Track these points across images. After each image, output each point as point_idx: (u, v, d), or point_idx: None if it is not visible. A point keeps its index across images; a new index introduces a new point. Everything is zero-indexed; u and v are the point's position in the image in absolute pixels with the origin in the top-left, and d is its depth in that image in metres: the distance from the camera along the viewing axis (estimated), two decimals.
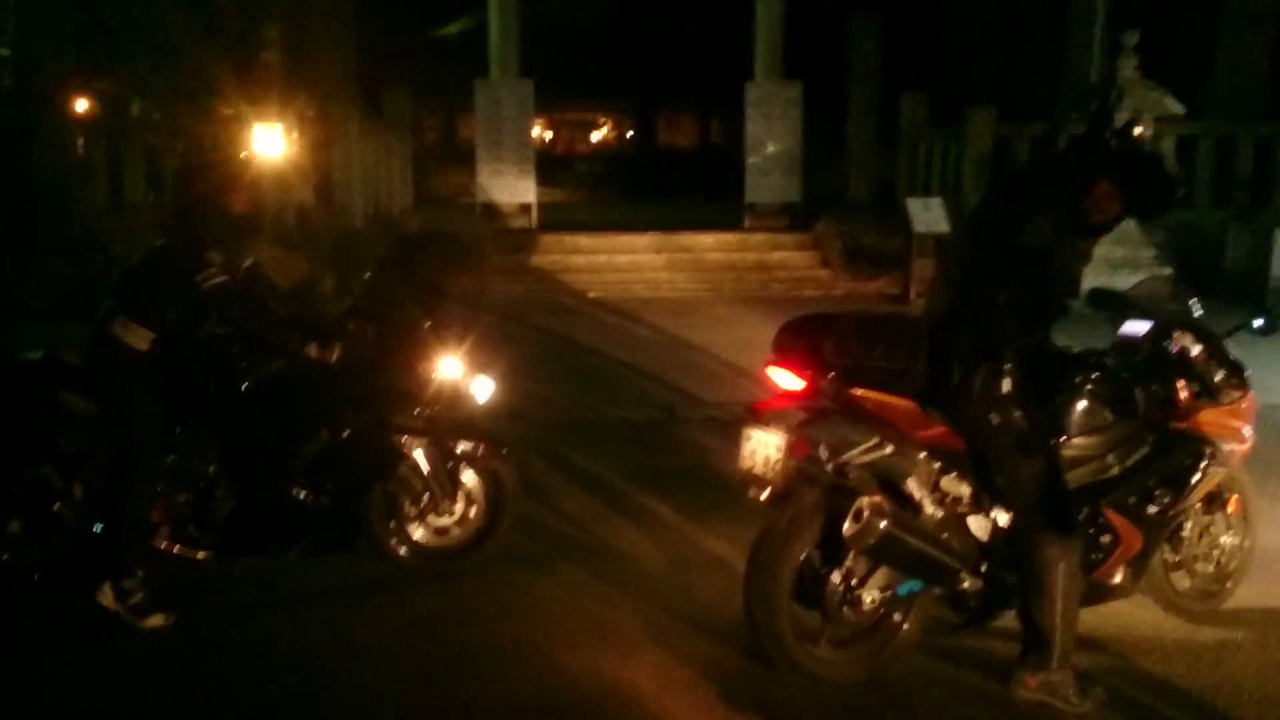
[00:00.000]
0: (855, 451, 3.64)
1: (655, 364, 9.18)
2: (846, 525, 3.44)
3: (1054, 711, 3.53)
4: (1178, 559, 4.22)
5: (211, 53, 11.83)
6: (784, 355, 3.77)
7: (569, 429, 7.19)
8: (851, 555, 3.59)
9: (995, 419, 3.48)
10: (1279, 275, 11.78)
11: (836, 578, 3.63)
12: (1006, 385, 3.47)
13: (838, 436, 3.63)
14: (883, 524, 3.39)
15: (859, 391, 3.61)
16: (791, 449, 3.58)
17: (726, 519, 5.37)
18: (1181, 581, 4.26)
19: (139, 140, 12.70)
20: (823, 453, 3.63)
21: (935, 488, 3.69)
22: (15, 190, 11.93)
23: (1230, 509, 4.30)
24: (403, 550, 4.69)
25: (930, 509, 3.65)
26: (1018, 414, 3.49)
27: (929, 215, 12.38)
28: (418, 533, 4.73)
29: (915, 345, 3.54)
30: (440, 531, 4.74)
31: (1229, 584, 4.35)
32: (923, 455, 3.67)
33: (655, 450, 6.69)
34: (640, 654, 4.00)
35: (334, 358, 4.42)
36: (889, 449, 3.64)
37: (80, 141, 12.51)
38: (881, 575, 3.64)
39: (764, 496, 3.67)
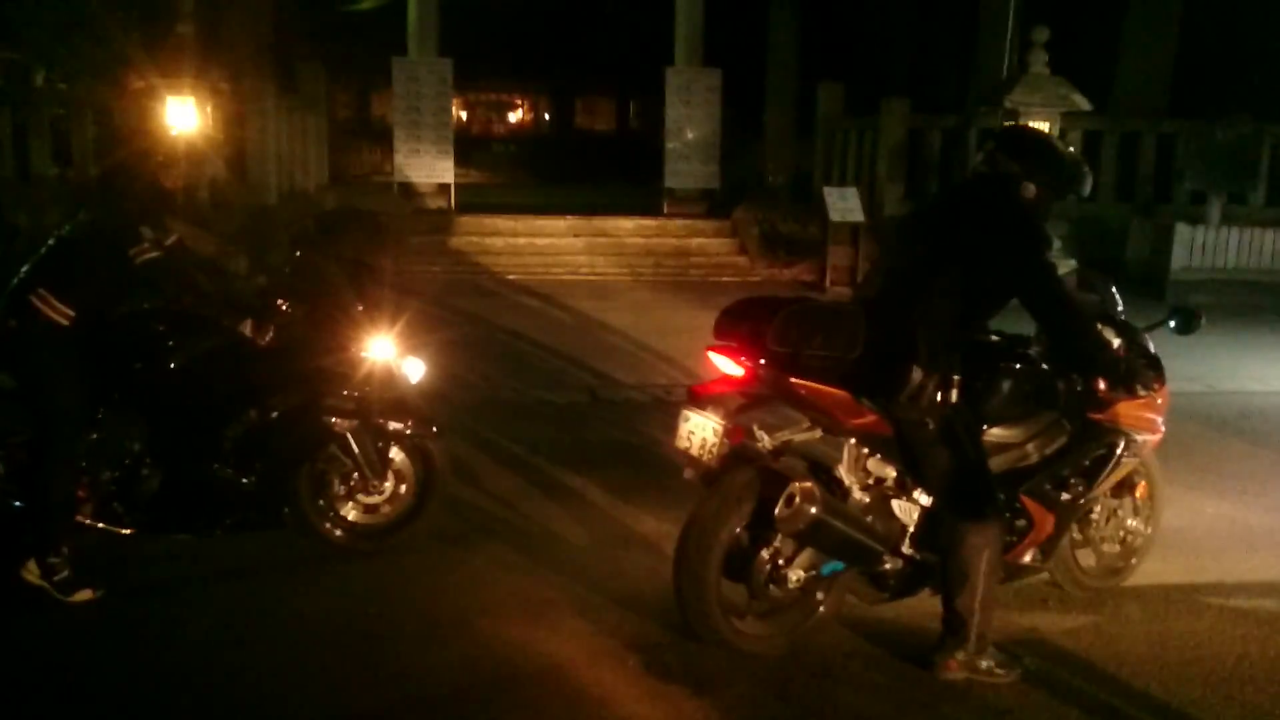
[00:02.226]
0: (788, 437, 3.79)
1: (576, 347, 9.24)
2: (778, 510, 3.54)
3: (973, 684, 3.70)
4: (1084, 539, 4.42)
5: (123, 23, 11.53)
6: (724, 341, 3.83)
7: (492, 410, 7.22)
8: (780, 537, 3.70)
9: (936, 416, 3.59)
10: (1179, 269, 12.26)
11: (764, 556, 3.74)
12: (954, 388, 3.59)
13: (773, 422, 3.75)
14: (812, 510, 3.49)
15: (795, 380, 3.68)
16: (728, 433, 3.68)
17: (648, 498, 5.49)
18: (1087, 560, 4.46)
19: (45, 112, 12.33)
20: (758, 437, 3.75)
21: (863, 472, 3.82)
22: None
23: (1139, 494, 4.51)
24: (332, 528, 4.69)
25: (858, 494, 3.79)
26: (954, 412, 3.63)
27: (845, 204, 12.60)
28: (347, 511, 4.73)
29: (852, 337, 3.60)
30: (370, 509, 4.75)
31: (1131, 563, 4.57)
32: (853, 442, 3.79)
33: (577, 431, 6.76)
34: (567, 627, 4.08)
35: (267, 337, 4.40)
36: (821, 436, 3.78)
37: None
38: (807, 556, 3.76)
39: (698, 477, 3.76)
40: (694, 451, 3.74)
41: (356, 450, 4.65)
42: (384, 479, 4.72)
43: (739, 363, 3.77)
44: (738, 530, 3.73)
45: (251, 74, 13.43)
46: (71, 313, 4.18)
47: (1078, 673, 3.87)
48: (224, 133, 12.11)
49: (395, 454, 4.78)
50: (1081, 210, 13.65)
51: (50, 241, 4.44)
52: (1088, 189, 3.95)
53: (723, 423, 3.70)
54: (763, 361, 3.71)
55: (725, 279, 13.32)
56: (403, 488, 4.76)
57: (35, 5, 12.32)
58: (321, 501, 4.67)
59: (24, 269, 4.30)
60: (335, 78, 18.69)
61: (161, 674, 3.71)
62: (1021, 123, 11.92)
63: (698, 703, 3.58)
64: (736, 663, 3.80)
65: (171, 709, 3.50)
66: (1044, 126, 11.90)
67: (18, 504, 4.32)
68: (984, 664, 3.69)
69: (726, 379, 3.82)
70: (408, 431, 4.74)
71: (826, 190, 13.04)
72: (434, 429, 4.80)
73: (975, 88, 15.28)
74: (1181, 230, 12.34)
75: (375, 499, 4.73)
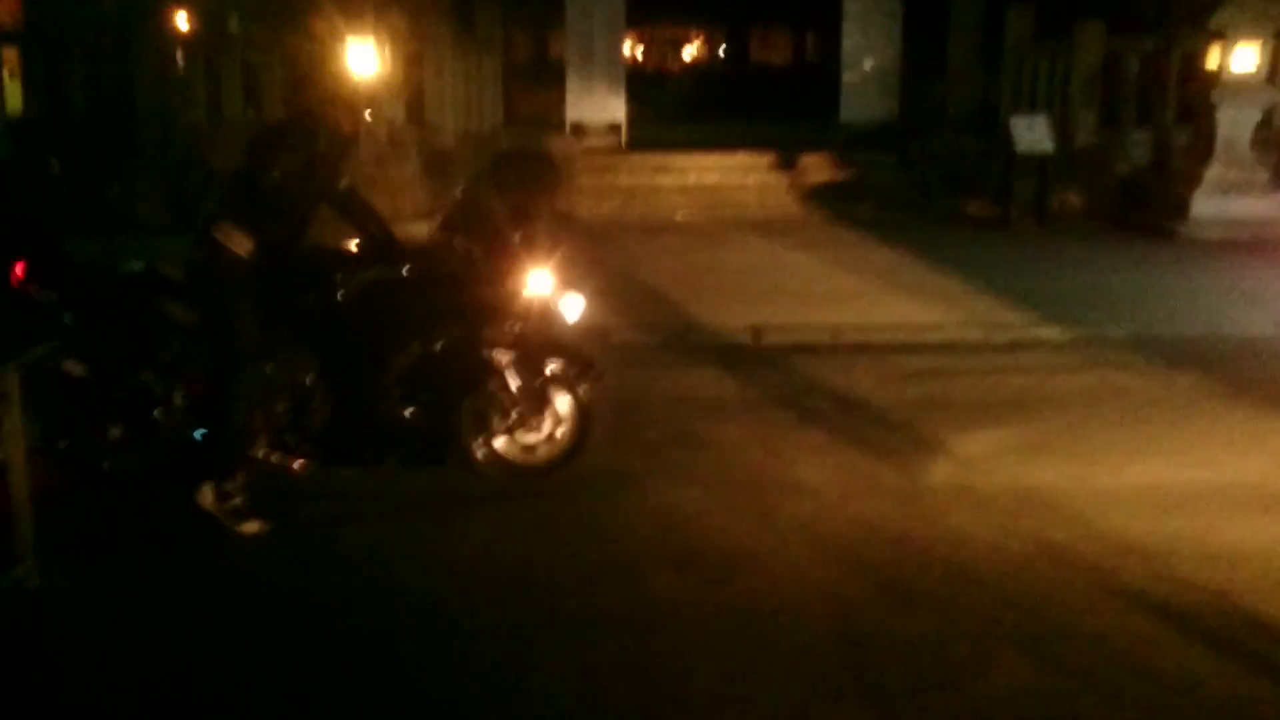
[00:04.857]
0: None
1: (741, 287, 9.07)
2: None
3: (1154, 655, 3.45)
4: None
5: None
6: None
7: (656, 350, 7.17)
8: None
9: None
10: None
11: None
12: None
13: None
14: None
15: None
16: None
17: (808, 444, 5.34)
18: None
19: (237, 57, 12.81)
20: None
21: None
22: (118, 108, 12.16)
23: None
24: (490, 465, 4.72)
25: None
26: None
27: (1032, 135, 11.95)
28: (506, 448, 4.75)
29: None
30: (528, 448, 4.76)
31: None
32: None
33: (740, 374, 6.62)
34: (726, 578, 3.97)
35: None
36: None
37: (180, 59, 12.67)
38: None
39: None
40: None
41: (516, 386, 4.65)
42: (542, 417, 4.72)
43: None
44: None
45: (429, 15, 13.63)
46: (251, 244, 4.29)
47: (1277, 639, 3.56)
48: (402, 74, 12.33)
49: (556, 395, 4.76)
50: None
51: (231, 177, 4.59)
52: None
53: None
54: None
55: (903, 214, 12.86)
56: (560, 430, 4.75)
57: None
58: (481, 437, 4.70)
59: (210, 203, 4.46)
60: (514, 18, 18.79)
61: (317, 607, 3.79)
62: (1228, 44, 11.03)
63: (851, 670, 3.45)
64: (895, 631, 3.65)
65: (322, 641, 3.58)
66: (1253, 48, 10.97)
67: (197, 435, 4.51)
68: None
69: None
70: (568, 373, 4.72)
71: (1013, 120, 12.39)
72: (593, 370, 4.75)
73: (1177, 7, 14.21)
74: None
75: (533, 438, 4.74)
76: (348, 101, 4.55)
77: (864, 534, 4.32)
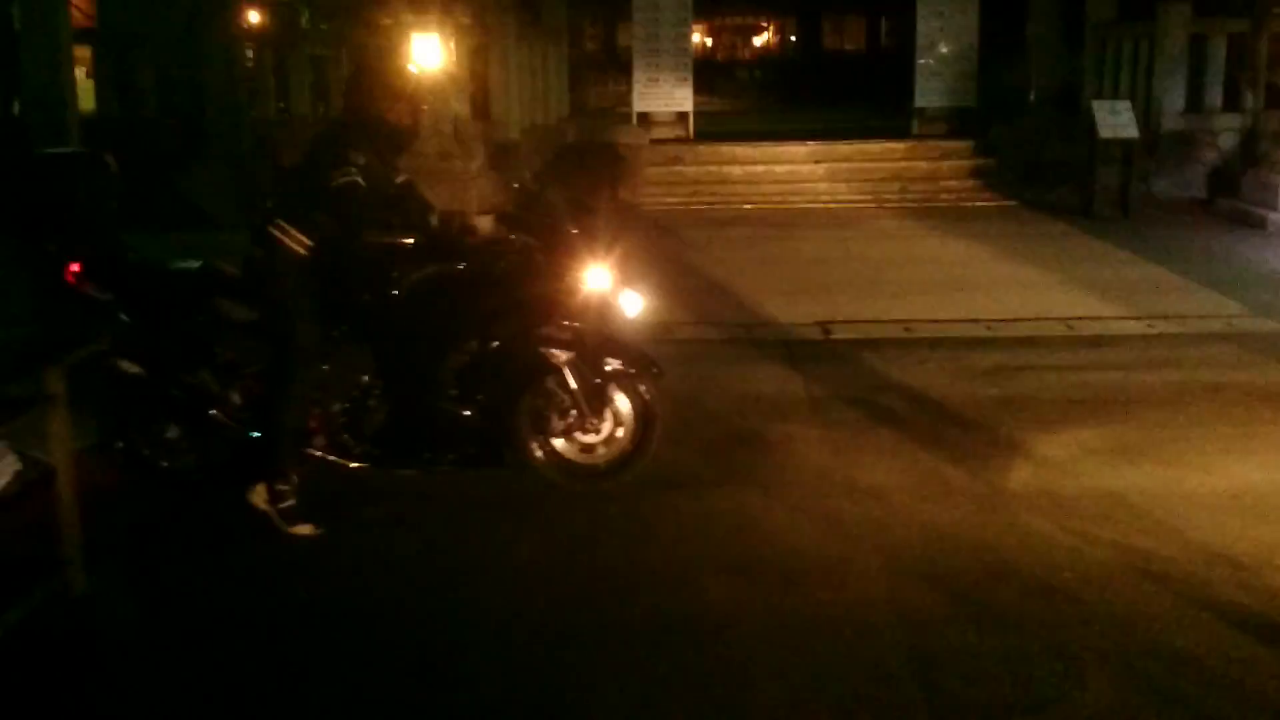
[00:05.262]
0: None
1: (813, 279, 8.87)
2: None
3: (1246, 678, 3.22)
4: None
5: None
6: None
7: (720, 345, 7.01)
8: None
9: None
10: None
11: None
12: None
13: None
14: None
15: None
16: None
17: (878, 446, 5.15)
18: None
19: (305, 52, 12.86)
20: None
21: None
22: (189, 105, 12.29)
23: None
24: (549, 466, 4.60)
25: None
26: None
27: (1116, 120, 11.57)
28: (564, 449, 4.63)
29: None
30: (587, 449, 4.64)
31: None
32: None
33: (809, 370, 6.42)
34: (789, 587, 3.81)
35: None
36: None
37: (249, 55, 12.76)
38: None
39: None
40: None
41: (574, 385, 4.53)
42: (602, 418, 4.59)
43: None
44: None
45: (495, 8, 13.57)
46: (309, 242, 4.22)
47: None
48: (467, 68, 12.30)
49: (616, 396, 4.63)
50: None
51: (284, 172, 4.53)
52: None
53: None
54: None
55: (979, 203, 12.55)
56: (620, 431, 4.61)
57: None
58: (539, 438, 4.59)
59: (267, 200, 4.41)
60: (580, 9, 18.73)
61: (370, 609, 3.72)
62: None
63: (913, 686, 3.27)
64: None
65: (373, 646, 3.48)
66: None
67: (254, 433, 4.46)
68: None
69: None
70: (628, 373, 4.59)
71: (1096, 104, 12.00)
72: (654, 368, 4.61)
73: None
74: None
75: (592, 439, 4.61)
76: (409, 96, 4.45)
77: (937, 541, 4.13)
